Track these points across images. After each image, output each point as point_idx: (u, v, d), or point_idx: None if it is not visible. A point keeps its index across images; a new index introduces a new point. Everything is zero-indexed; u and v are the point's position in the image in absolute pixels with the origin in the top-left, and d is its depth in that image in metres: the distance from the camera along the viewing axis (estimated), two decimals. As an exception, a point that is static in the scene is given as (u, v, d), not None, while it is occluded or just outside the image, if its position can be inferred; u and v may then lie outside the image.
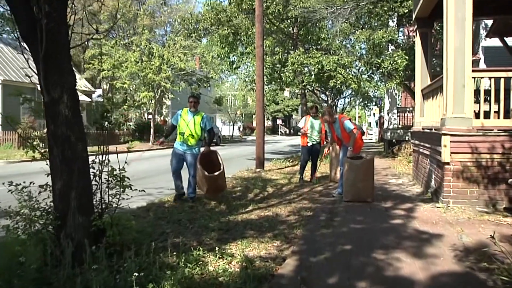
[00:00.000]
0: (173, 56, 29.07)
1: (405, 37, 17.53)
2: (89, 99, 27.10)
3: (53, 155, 3.80)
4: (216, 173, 7.09)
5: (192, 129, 7.26)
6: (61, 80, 3.77)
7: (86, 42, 35.83)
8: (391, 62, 15.23)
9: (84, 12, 4.17)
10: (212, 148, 7.66)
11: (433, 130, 7.65)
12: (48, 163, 3.89)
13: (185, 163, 7.50)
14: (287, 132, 66.42)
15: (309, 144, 9.88)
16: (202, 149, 7.48)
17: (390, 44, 17.23)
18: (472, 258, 4.11)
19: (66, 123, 3.74)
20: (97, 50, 26.44)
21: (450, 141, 6.48)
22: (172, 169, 7.45)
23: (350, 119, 8.22)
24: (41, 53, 3.65)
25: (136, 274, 3.22)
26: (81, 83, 29.82)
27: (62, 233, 3.73)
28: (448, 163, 6.54)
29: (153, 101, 29.07)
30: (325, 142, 10.20)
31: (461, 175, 6.51)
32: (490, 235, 3.52)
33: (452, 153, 6.50)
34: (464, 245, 4.59)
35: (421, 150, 8.89)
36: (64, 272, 3.44)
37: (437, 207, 6.64)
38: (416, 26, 9.72)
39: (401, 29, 17.36)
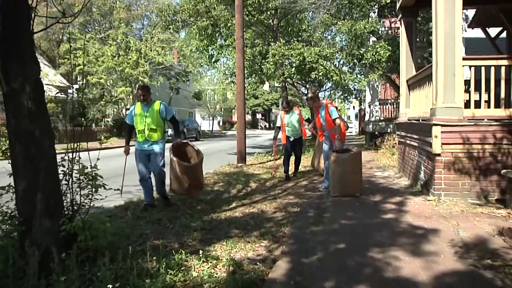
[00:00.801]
0: (151, 50, 28.58)
1: (387, 28, 17.32)
2: (65, 96, 26.32)
3: (15, 153, 3.39)
4: (196, 161, 6.53)
5: (152, 122, 6.29)
6: (22, 69, 3.36)
7: (61, 36, 34.94)
8: (374, 54, 15.03)
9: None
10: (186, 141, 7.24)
11: (421, 121, 7.42)
12: (11, 162, 3.48)
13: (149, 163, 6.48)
14: (267, 126, 66.16)
15: (291, 139, 9.54)
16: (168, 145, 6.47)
17: (371, 35, 17.04)
18: (474, 255, 3.86)
19: (29, 117, 3.33)
20: (72, 44, 25.65)
21: (441, 132, 6.25)
22: (140, 175, 6.38)
23: (336, 107, 7.93)
24: (-2, 38, 3.24)
25: (111, 286, 2.86)
26: (56, 78, 28.96)
27: (26, 240, 3.32)
28: (439, 155, 6.31)
29: (130, 96, 28.47)
30: (307, 134, 9.86)
31: (453, 167, 6.28)
32: (499, 232, 3.26)
33: (443, 144, 6.27)
34: (463, 240, 4.34)
35: (407, 141, 8.67)
36: (29, 284, 3.05)
37: (428, 200, 6.41)
38: (400, 16, 9.46)
39: (382, 20, 17.13)
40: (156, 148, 6.36)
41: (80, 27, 33.60)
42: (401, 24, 9.52)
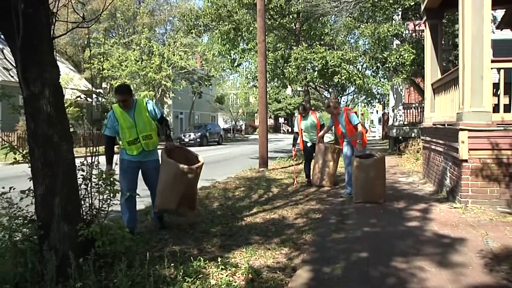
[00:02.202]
0: (174, 55, 28.77)
1: (411, 31, 17.02)
2: (88, 100, 26.68)
3: (34, 157, 3.38)
4: (197, 165, 5.12)
5: (144, 127, 5.03)
6: (42, 73, 3.35)
7: (86, 42, 35.55)
8: (397, 57, 14.78)
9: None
10: (196, 149, 6.44)
11: (447, 126, 7.21)
12: (30, 166, 3.48)
13: (144, 178, 5.30)
14: (290, 130, 65.92)
15: (309, 145, 9.35)
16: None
17: (395, 39, 16.78)
18: (506, 267, 3.66)
19: (48, 121, 3.32)
20: (96, 49, 26.08)
21: (468, 137, 6.03)
22: (126, 195, 4.79)
23: (356, 113, 7.78)
24: (18, 42, 3.23)
25: (127, 293, 2.80)
26: (81, 83, 29.43)
27: (45, 244, 3.31)
28: (466, 161, 6.10)
29: (154, 101, 28.68)
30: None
31: (480, 173, 6.06)
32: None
33: (470, 149, 6.06)
34: (493, 251, 4.14)
35: (432, 147, 8.45)
36: (46, 289, 3.03)
37: (455, 208, 6.19)
38: (425, 18, 9.25)
39: (406, 22, 16.84)
40: (154, 158, 5.29)
41: (104, 32, 34.13)
42: (425, 26, 9.30)
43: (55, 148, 3.37)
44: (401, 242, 4.59)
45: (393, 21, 15.89)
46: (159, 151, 5.26)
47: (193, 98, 37.65)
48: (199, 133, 30.55)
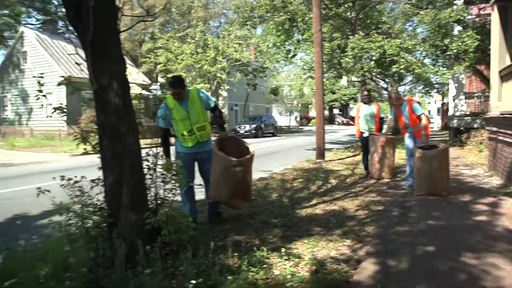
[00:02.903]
0: (228, 47, 29.00)
1: (474, 15, 16.21)
2: (147, 93, 27.52)
3: (103, 147, 3.52)
4: (245, 157, 4.93)
5: (198, 118, 5.02)
6: (110, 67, 3.47)
7: (143, 37, 36.59)
8: (460, 44, 14.14)
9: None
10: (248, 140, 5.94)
11: (517, 115, 6.82)
12: (100, 156, 3.62)
13: (199, 169, 5.31)
14: (344, 121, 64.91)
15: (364, 134, 9.11)
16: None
17: (457, 24, 16.05)
18: None
19: (116, 113, 3.44)
20: (153, 44, 26.78)
21: (543, 126, 5.68)
22: (186, 185, 4.72)
23: (419, 103, 7.50)
24: (88, 38, 3.36)
25: (194, 281, 2.85)
26: (138, 77, 30.35)
27: (114, 232, 3.43)
28: (540, 151, 5.75)
29: (209, 93, 29.18)
30: (380, 131, 8.89)
31: (556, 165, 5.70)
32: None
33: (545, 139, 5.70)
34: None
35: (500, 137, 8.02)
36: (117, 274, 3.14)
37: (527, 201, 5.87)
38: (493, 0, 8.75)
39: (469, 7, 16.05)
40: (208, 149, 5.16)
41: (160, 27, 34.95)
42: (493, 9, 8.79)
43: (122, 139, 3.48)
44: (469, 237, 4.40)
45: (455, 6, 15.21)
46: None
47: (247, 90, 37.85)
48: (254, 125, 30.69)
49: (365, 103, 9.10)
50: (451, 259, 3.71)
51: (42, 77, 3.54)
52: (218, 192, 4.93)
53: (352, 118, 9.38)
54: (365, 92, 9.47)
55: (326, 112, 62.82)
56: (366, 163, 9.18)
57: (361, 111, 9.05)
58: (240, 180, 4.91)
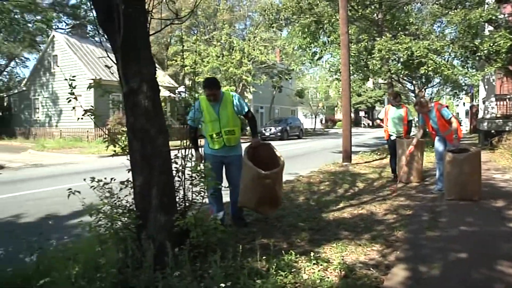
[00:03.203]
0: (254, 49, 29.07)
1: (507, 14, 15.77)
2: (174, 95, 27.80)
3: (133, 149, 3.54)
4: (275, 170, 4.83)
5: (228, 122, 4.99)
6: (140, 69, 3.49)
7: (169, 40, 36.99)
8: (491, 44, 13.78)
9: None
10: (273, 142, 5.72)
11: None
12: (129, 158, 3.65)
13: (225, 173, 5.28)
14: (370, 124, 64.22)
15: (392, 137, 8.97)
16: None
17: (488, 25, 15.66)
18: None
19: (145, 115, 3.45)
20: (179, 46, 27.05)
21: None
22: (212, 188, 4.38)
23: (447, 107, 7.34)
24: (119, 41, 3.39)
25: (223, 285, 2.83)
26: (165, 79, 30.69)
27: (143, 233, 3.45)
28: None
29: (236, 96, 29.30)
30: (408, 134, 8.85)
31: None
32: None
33: None
34: None
35: (535, 140, 7.78)
36: (145, 276, 3.15)
37: None
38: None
39: (502, 6, 15.62)
40: (237, 154, 5.16)
41: (186, 29, 35.25)
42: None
43: (151, 141, 3.50)
44: (505, 244, 4.26)
45: (486, 6, 14.85)
46: (243, 147, 5.20)
47: (273, 92, 37.86)
48: (280, 127, 30.67)
49: (393, 106, 8.98)
50: (486, 267, 3.59)
51: (73, 79, 3.59)
52: (246, 199, 4.93)
53: (381, 119, 9.26)
54: (398, 98, 9.22)
55: (352, 115, 62.28)
56: (393, 167, 9.05)
57: (389, 113, 8.93)
58: (269, 190, 4.87)
